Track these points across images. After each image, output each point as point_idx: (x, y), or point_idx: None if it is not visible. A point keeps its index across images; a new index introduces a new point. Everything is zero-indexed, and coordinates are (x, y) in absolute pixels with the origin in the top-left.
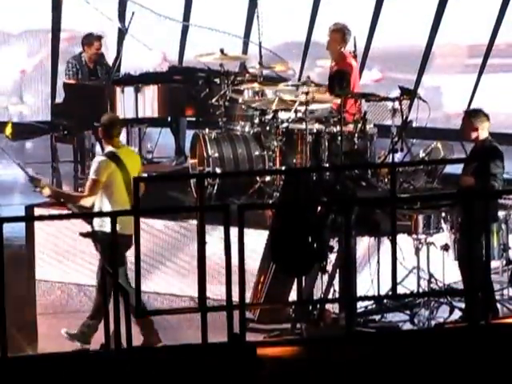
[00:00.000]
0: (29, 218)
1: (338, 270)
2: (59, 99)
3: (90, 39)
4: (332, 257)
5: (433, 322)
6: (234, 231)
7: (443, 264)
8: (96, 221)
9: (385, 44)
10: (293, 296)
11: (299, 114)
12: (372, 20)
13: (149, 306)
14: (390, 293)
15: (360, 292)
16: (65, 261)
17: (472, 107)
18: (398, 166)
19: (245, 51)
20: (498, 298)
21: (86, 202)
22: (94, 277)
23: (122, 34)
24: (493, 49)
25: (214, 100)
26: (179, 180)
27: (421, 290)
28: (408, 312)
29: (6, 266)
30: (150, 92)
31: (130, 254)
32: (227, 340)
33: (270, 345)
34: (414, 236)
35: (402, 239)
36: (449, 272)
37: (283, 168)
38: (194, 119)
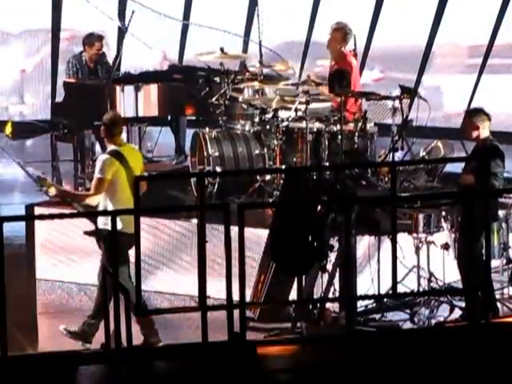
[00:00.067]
0: (29, 217)
1: (338, 269)
2: (59, 98)
3: (91, 39)
4: (332, 256)
5: (433, 321)
6: (234, 230)
7: (443, 263)
8: (100, 219)
9: (385, 44)
10: (293, 295)
11: (299, 113)
12: (372, 19)
13: (149, 305)
14: (391, 292)
15: (360, 291)
16: (65, 260)
17: (473, 107)
18: (398, 165)
19: (245, 50)
20: (498, 297)
21: (91, 201)
22: (94, 276)
23: (122, 32)
24: (493, 49)
25: (214, 99)
26: (179, 179)
27: (421, 289)
28: (408, 311)
29: (6, 265)
30: (150, 91)
31: (131, 253)
32: (227, 339)
33: (271, 344)
34: (415, 235)
35: (403, 238)
36: (449, 271)
37: (283, 167)
38: (194, 118)
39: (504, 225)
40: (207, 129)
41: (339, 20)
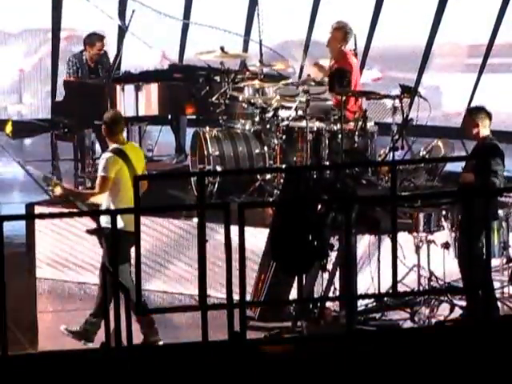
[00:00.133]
0: (29, 216)
1: (338, 269)
2: (59, 98)
3: (93, 39)
4: (332, 255)
5: (433, 320)
6: (234, 229)
7: (444, 262)
8: (103, 217)
9: (385, 43)
10: (293, 294)
11: (300, 112)
12: (372, 19)
13: (149, 304)
14: (391, 291)
15: (360, 290)
16: (65, 259)
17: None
18: (398, 164)
19: (245, 49)
20: (498, 296)
21: (96, 200)
22: (94, 275)
23: (122, 32)
24: (493, 48)
25: (214, 98)
26: (180, 178)
27: (421, 288)
28: (408, 310)
29: (6, 264)
30: (151, 90)
31: (132, 252)
32: (228, 338)
33: (271, 343)
34: (415, 234)
35: (403, 237)
36: (449, 270)
37: (284, 166)
38: (194, 117)
39: (504, 224)
40: (207, 128)
41: (339, 19)
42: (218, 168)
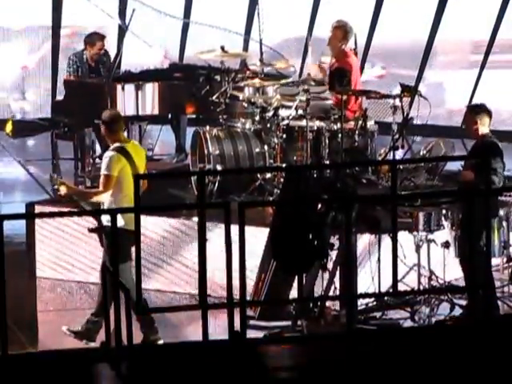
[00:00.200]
0: (29, 216)
1: (338, 268)
2: (60, 96)
3: (93, 39)
4: (333, 254)
5: (433, 319)
6: (234, 229)
7: (444, 261)
8: (104, 216)
9: (386, 40)
10: (293, 293)
11: (300, 111)
12: (373, 15)
13: (149, 303)
14: (391, 290)
15: (361, 289)
16: (65, 258)
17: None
18: (398, 163)
19: (245, 48)
20: (498, 295)
21: (100, 198)
22: (94, 274)
23: (122, 31)
24: (495, 45)
25: (214, 97)
26: (180, 177)
27: (421, 288)
28: (409, 309)
29: (6, 263)
30: (151, 89)
31: (133, 251)
32: (228, 337)
33: (271, 342)
34: (415, 233)
35: (403, 236)
36: (449, 269)
37: (284, 165)
38: (194, 116)
39: (504, 223)
40: (208, 127)
41: (340, 18)
42: (219, 167)
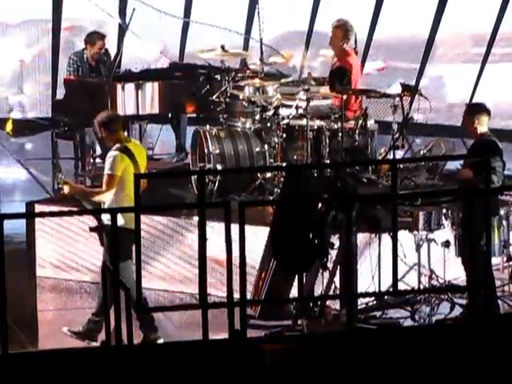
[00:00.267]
0: (29, 215)
1: (338, 267)
2: (59, 91)
3: (93, 38)
4: (333, 253)
5: (433, 319)
6: (234, 228)
7: (444, 260)
8: (105, 215)
9: (388, 33)
10: (294, 293)
11: (300, 111)
12: (375, 9)
13: (149, 303)
14: (391, 289)
15: (361, 288)
16: (65, 257)
17: (473, 100)
18: (398, 163)
19: (245, 48)
20: (498, 294)
21: (103, 197)
22: (94, 273)
23: (122, 30)
24: (496, 38)
25: (214, 96)
26: (180, 177)
27: (422, 287)
28: (409, 308)
29: (6, 262)
30: (151, 89)
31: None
32: (228, 337)
33: (271, 341)
34: (415, 232)
35: (403, 236)
36: (450, 268)
37: (284, 164)
38: (194, 116)
39: (504, 222)
40: (208, 126)
41: (340, 17)
42: (219, 166)
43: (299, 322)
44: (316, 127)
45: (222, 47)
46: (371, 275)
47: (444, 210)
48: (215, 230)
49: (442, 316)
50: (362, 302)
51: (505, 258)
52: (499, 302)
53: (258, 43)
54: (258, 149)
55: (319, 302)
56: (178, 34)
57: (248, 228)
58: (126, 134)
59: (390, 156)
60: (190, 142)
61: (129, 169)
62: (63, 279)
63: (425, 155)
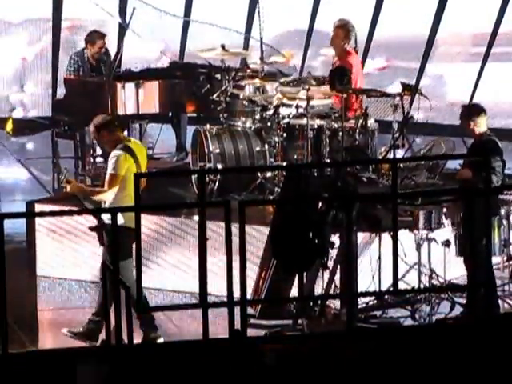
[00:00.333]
0: (29, 214)
1: (338, 266)
2: (60, 90)
3: (94, 38)
4: (333, 253)
5: (434, 318)
6: (234, 227)
7: (444, 260)
8: (106, 214)
9: (388, 32)
10: (294, 292)
11: (300, 110)
12: (375, 8)
13: (150, 302)
14: (391, 289)
15: (361, 288)
16: (66, 256)
17: (473, 99)
18: (399, 162)
19: (246, 47)
20: (498, 293)
21: (105, 197)
22: (94, 273)
23: (122, 29)
24: (496, 37)
25: (215, 96)
26: (180, 176)
27: (422, 286)
28: (409, 308)
29: (6, 262)
30: (151, 88)
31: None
32: (228, 336)
33: (271, 341)
34: (416, 232)
35: (404, 235)
36: (450, 268)
37: (284, 164)
38: (195, 115)
39: (505, 221)
40: (208, 126)
41: (341, 17)
42: (219, 166)
43: (299, 321)
44: (316, 126)
45: (223, 46)
46: (371, 274)
47: (444, 209)
48: None
49: (442, 315)
50: (362, 302)
51: (505, 258)
52: (499, 301)
53: (258, 42)
54: (258, 148)
55: (319, 302)
56: (179, 34)
57: (248, 227)
58: (125, 133)
59: (391, 155)
60: (191, 141)
61: (131, 168)
62: (63, 278)
63: (425, 154)
